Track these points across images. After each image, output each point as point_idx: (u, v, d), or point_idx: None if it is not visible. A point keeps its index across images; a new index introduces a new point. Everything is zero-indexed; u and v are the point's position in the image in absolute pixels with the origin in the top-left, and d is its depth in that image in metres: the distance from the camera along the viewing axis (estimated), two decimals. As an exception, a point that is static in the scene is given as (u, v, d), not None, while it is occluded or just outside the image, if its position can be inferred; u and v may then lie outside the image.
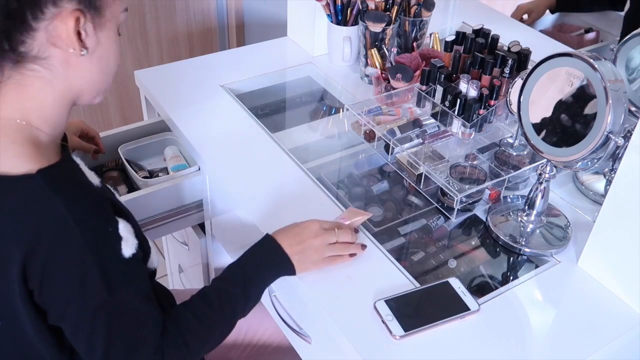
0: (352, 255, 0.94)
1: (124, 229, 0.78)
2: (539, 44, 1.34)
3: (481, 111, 1.14)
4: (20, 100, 0.75)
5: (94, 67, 0.78)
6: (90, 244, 0.73)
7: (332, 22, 1.41)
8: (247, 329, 1.22)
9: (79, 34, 0.73)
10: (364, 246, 0.96)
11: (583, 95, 0.87)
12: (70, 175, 0.77)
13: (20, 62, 0.73)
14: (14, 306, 0.76)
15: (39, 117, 0.76)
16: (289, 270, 0.90)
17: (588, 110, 0.87)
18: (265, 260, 0.90)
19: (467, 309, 0.87)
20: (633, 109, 1.04)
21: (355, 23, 1.39)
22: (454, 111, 1.16)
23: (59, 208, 0.71)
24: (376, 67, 1.30)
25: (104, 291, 0.74)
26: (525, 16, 1.61)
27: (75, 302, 0.74)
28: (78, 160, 0.83)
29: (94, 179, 0.83)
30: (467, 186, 1.06)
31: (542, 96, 0.93)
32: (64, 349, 0.82)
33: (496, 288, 0.94)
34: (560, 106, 0.91)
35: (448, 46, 1.25)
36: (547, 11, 1.61)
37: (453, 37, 1.23)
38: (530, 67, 1.02)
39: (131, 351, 0.78)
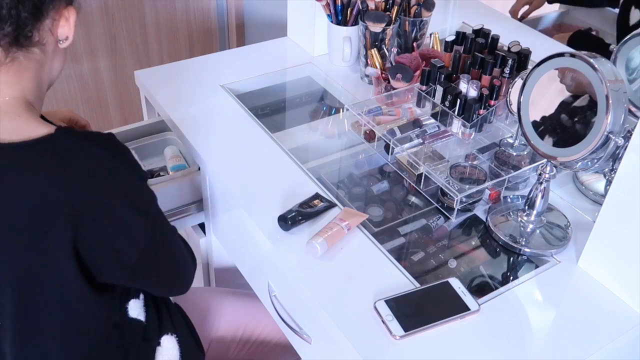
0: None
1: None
2: (539, 44, 1.34)
3: (481, 111, 1.14)
4: (21, 81, 0.80)
5: (63, 57, 0.87)
6: (133, 172, 0.81)
7: (332, 22, 1.41)
8: (246, 325, 1.22)
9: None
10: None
11: (583, 95, 0.87)
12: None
13: (27, 45, 0.78)
14: (57, 265, 0.78)
15: (35, 95, 0.82)
16: None
17: (588, 110, 0.87)
18: None
19: (467, 309, 0.87)
20: (633, 109, 1.04)
21: (355, 23, 1.39)
22: (454, 111, 1.16)
23: (94, 150, 0.76)
24: (376, 67, 1.30)
25: (154, 205, 0.85)
26: (524, 8, 1.61)
27: (145, 223, 0.82)
28: None
29: None
30: (467, 186, 1.06)
31: (542, 96, 0.93)
32: (103, 289, 0.85)
33: (496, 288, 0.94)
34: (560, 106, 0.92)
35: (448, 46, 1.25)
36: (546, 10, 1.62)
37: (453, 37, 1.23)
38: (530, 67, 1.02)
39: (193, 261, 0.98)
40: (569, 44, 1.46)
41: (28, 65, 0.80)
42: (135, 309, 0.94)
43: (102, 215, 0.76)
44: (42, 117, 0.87)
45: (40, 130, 0.75)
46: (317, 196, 1.05)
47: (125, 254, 0.81)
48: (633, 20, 1.33)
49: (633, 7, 1.33)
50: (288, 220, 0.98)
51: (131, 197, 0.80)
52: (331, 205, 1.04)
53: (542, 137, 0.93)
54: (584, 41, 1.45)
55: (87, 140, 0.77)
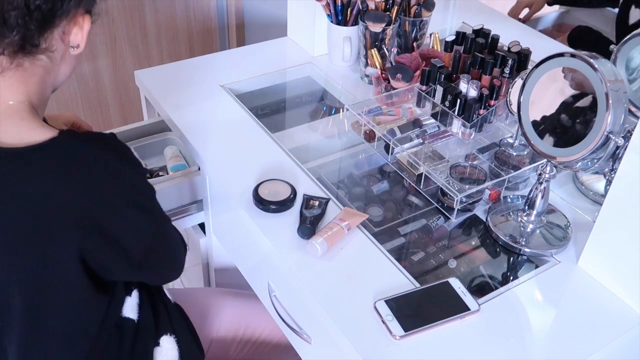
0: None
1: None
2: (539, 44, 1.34)
3: (481, 111, 1.14)
4: (26, 85, 0.79)
5: (72, 63, 0.86)
6: (136, 171, 0.82)
7: (332, 22, 1.41)
8: (247, 326, 1.22)
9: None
10: None
11: (583, 95, 0.87)
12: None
13: (33, 52, 0.78)
14: (63, 268, 0.78)
15: (38, 100, 0.82)
16: None
17: (588, 110, 0.87)
18: None
19: (467, 309, 0.87)
20: (633, 109, 1.04)
21: (355, 23, 1.39)
22: (454, 111, 1.16)
23: (98, 152, 0.76)
24: (376, 67, 1.30)
25: (154, 201, 0.86)
26: (525, 10, 1.61)
27: (149, 220, 0.84)
28: None
29: None
30: (467, 186, 1.06)
31: (542, 96, 0.93)
32: (103, 290, 0.86)
33: (496, 288, 0.94)
34: (560, 106, 0.91)
35: (448, 46, 1.25)
36: (546, 10, 1.61)
37: (453, 37, 1.23)
38: (530, 67, 1.02)
39: (185, 246, 0.99)
40: (569, 41, 1.46)
41: (34, 71, 0.79)
42: (129, 307, 0.94)
43: (109, 217, 0.77)
44: (45, 120, 0.87)
45: (45, 134, 0.75)
46: (309, 198, 1.05)
47: (133, 252, 0.83)
48: (633, 19, 1.33)
49: (633, 7, 1.33)
50: (309, 228, 0.97)
51: (137, 197, 0.81)
52: (327, 200, 1.04)
53: (542, 137, 0.93)
54: (586, 38, 1.45)
55: (90, 142, 0.77)
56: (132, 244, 0.82)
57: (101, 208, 0.76)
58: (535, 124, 0.95)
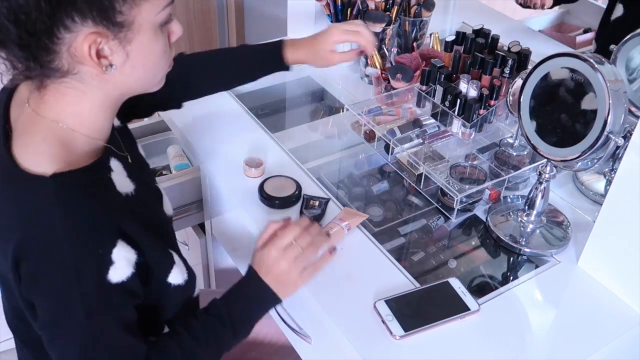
0: (331, 251, 0.92)
1: (118, 253, 0.74)
2: (539, 44, 1.34)
3: (481, 111, 1.15)
4: (59, 105, 0.76)
5: (128, 78, 0.77)
6: (75, 262, 0.72)
7: (332, 22, 1.41)
8: None
9: (98, 54, 0.72)
10: (327, 234, 0.95)
11: (583, 95, 0.87)
12: (86, 185, 0.76)
13: (55, 75, 0.73)
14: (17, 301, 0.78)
15: (77, 120, 0.77)
16: (274, 300, 0.88)
17: (588, 110, 0.87)
18: (250, 298, 0.89)
19: (467, 309, 0.87)
20: (633, 109, 1.04)
21: (355, 23, 1.39)
22: (454, 111, 1.16)
23: (55, 219, 0.71)
24: (376, 67, 1.30)
25: (82, 312, 0.73)
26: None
27: (54, 316, 0.74)
28: (115, 165, 0.81)
29: (126, 187, 0.81)
30: (467, 186, 1.06)
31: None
32: None
33: (496, 288, 0.94)
34: (560, 106, 0.92)
35: (448, 46, 1.25)
36: (546, 10, 1.61)
37: (453, 37, 1.23)
38: (530, 67, 1.02)
39: None
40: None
41: (65, 92, 0.75)
42: None
43: (30, 271, 0.73)
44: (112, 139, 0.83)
45: (41, 167, 0.72)
46: (309, 198, 1.05)
47: (39, 317, 0.76)
48: (615, 14, 1.34)
49: (617, 2, 1.34)
50: None
51: (60, 282, 0.72)
52: (327, 200, 1.05)
53: (542, 137, 0.93)
54: None
55: (62, 202, 0.72)
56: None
57: (27, 265, 0.72)
58: (535, 123, 0.95)
